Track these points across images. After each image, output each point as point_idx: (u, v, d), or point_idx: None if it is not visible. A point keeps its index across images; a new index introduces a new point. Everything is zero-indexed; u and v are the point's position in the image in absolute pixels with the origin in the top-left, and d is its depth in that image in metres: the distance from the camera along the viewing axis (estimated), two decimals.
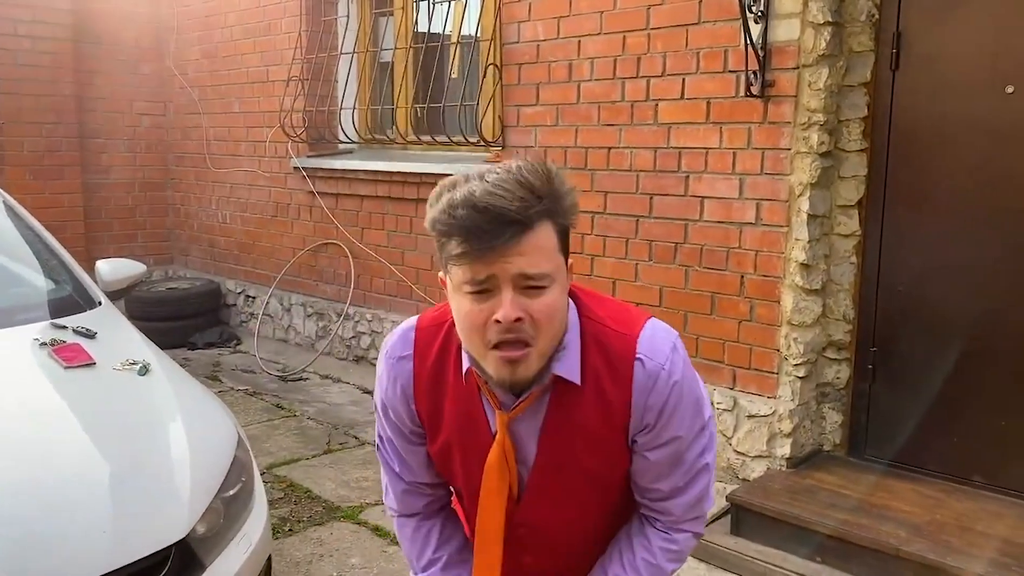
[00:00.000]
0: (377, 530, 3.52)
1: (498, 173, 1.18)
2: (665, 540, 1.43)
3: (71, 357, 2.44)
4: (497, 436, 1.34)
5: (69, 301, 2.89)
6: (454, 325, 1.30)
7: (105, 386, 2.41)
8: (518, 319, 1.18)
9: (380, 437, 1.50)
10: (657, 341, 1.32)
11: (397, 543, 3.39)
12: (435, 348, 1.38)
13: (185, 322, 6.42)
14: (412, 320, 1.44)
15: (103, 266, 3.22)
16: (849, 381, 3.69)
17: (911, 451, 3.54)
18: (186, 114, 7.02)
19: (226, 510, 2.20)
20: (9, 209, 3.16)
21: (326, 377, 5.64)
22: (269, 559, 2.41)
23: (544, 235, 1.19)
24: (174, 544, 1.97)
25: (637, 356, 1.31)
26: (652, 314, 1.39)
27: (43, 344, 2.49)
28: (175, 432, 2.28)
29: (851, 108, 3.51)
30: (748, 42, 3.45)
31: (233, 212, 6.71)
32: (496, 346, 1.21)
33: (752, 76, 3.51)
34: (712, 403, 3.77)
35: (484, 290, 1.19)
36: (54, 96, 6.54)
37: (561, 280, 1.24)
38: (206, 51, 6.73)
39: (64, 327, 2.64)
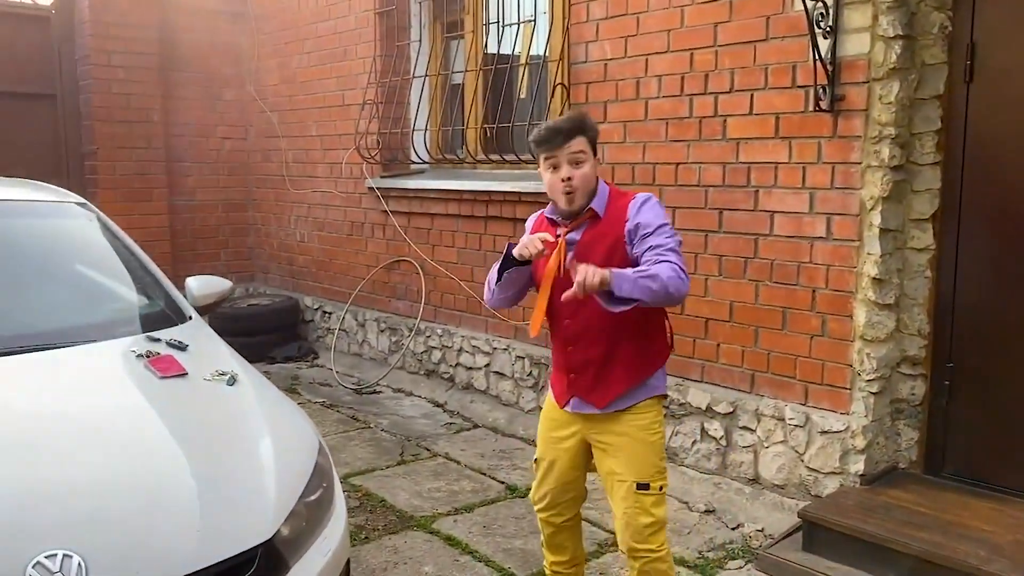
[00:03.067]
0: (450, 540, 3.60)
1: (559, 116, 2.76)
2: (659, 257, 2.37)
3: (165, 368, 2.59)
4: (560, 240, 2.47)
5: (162, 316, 3.06)
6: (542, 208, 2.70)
7: (196, 395, 2.56)
8: (570, 178, 2.45)
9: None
10: (642, 193, 2.55)
11: (469, 552, 3.50)
12: (540, 215, 2.71)
13: (265, 337, 6.66)
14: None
15: (192, 283, 3.39)
16: (925, 397, 3.63)
17: (991, 469, 3.47)
18: (266, 137, 7.30)
19: (308, 514, 2.31)
20: (107, 229, 3.37)
21: (399, 390, 5.78)
22: (348, 563, 2.50)
23: (580, 140, 2.47)
24: (261, 544, 2.08)
25: (634, 196, 2.53)
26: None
27: (139, 355, 2.65)
28: (261, 439, 2.40)
29: (924, 121, 3.48)
30: (817, 57, 3.45)
31: (310, 231, 6.94)
32: (563, 192, 2.47)
33: (821, 91, 3.51)
34: (784, 419, 3.77)
35: (555, 166, 2.48)
36: (144, 123, 6.89)
37: (591, 162, 2.48)
38: (285, 77, 7.00)
39: (158, 340, 2.80)
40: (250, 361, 6.18)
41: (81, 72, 6.76)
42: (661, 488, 2.55)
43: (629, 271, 2.26)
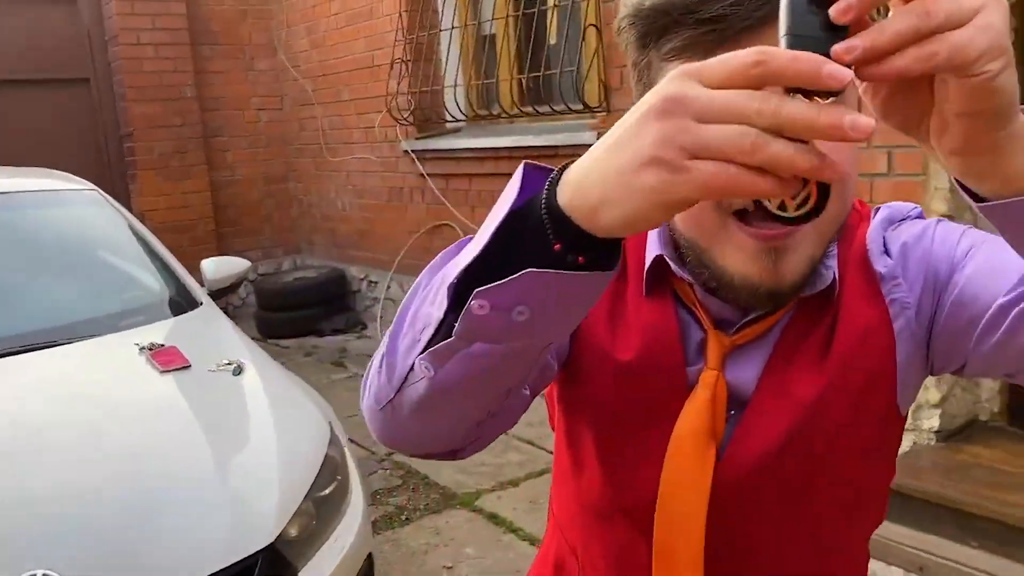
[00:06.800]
0: (493, 518, 3.44)
1: None
2: None
3: (167, 361, 2.45)
4: (705, 373, 0.83)
5: (172, 304, 2.94)
6: None
7: (198, 389, 2.41)
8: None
9: None
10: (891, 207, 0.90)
11: (513, 531, 3.32)
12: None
13: (312, 310, 6.56)
14: None
15: (207, 265, 3.26)
16: None
17: None
18: (301, 106, 7.14)
19: (318, 511, 2.16)
20: (116, 215, 3.25)
21: None
22: (369, 557, 2.35)
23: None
24: (261, 551, 1.93)
25: (870, 219, 0.88)
26: None
27: (142, 349, 2.52)
28: (263, 434, 2.25)
29: None
30: None
31: (351, 199, 6.79)
32: (742, 216, 0.72)
33: None
34: None
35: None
36: (178, 100, 6.79)
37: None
38: (314, 41, 6.81)
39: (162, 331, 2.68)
40: (298, 335, 6.28)
41: (112, 53, 6.69)
42: None
43: None
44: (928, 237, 0.84)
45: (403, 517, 3.49)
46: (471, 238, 0.66)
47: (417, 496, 3.68)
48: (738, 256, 0.75)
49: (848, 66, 0.48)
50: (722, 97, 0.49)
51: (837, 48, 0.49)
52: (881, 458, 0.90)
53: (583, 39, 4.48)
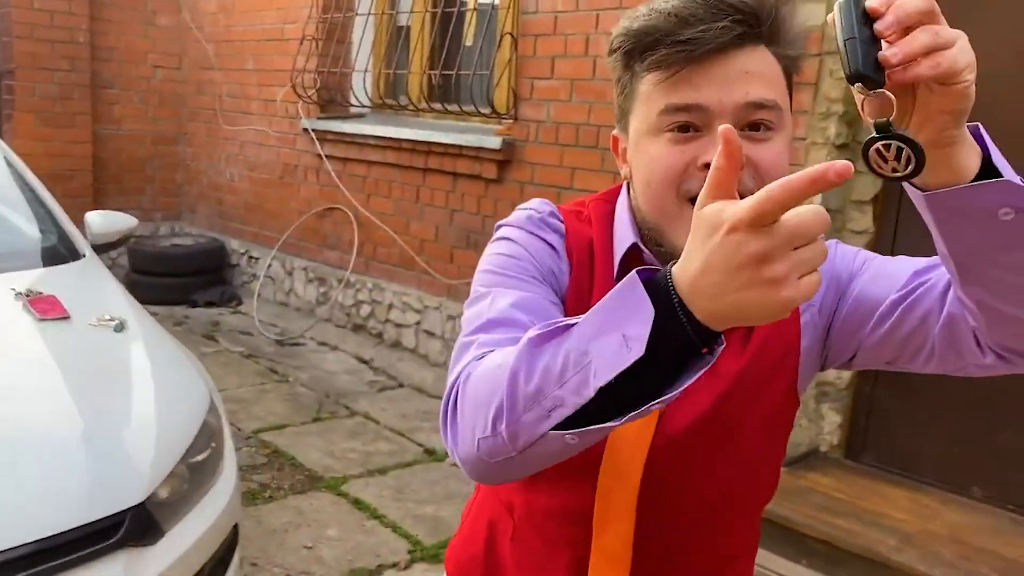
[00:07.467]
0: (358, 503, 3.46)
1: None
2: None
3: (45, 309, 2.37)
4: None
5: (53, 252, 2.83)
6: (595, 210, 1.05)
7: (76, 341, 2.35)
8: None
9: (494, 275, 1.00)
10: None
11: (377, 517, 3.36)
12: (581, 230, 1.05)
13: (187, 279, 6.37)
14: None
15: (93, 218, 3.15)
16: (851, 382, 3.58)
17: (910, 458, 3.44)
18: (200, 68, 6.93)
19: (191, 476, 2.14)
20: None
21: (323, 344, 5.58)
22: (235, 527, 2.34)
23: (770, 63, 0.93)
24: (130, 508, 1.91)
25: None
26: None
27: (19, 294, 2.43)
28: (143, 393, 2.22)
29: None
30: None
31: (241, 171, 6.63)
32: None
33: None
34: None
35: (689, 125, 0.90)
36: (69, 43, 6.46)
37: (788, 135, 0.95)
38: (223, 5, 6.63)
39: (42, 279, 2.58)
40: (170, 304, 6.08)
41: None
42: None
43: None
44: (831, 253, 1.04)
45: (266, 495, 3.46)
46: (564, 323, 0.77)
47: (282, 475, 3.66)
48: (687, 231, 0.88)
49: (891, 68, 0.68)
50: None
51: (885, 53, 0.68)
52: (778, 432, 1.11)
53: (498, 46, 4.58)
